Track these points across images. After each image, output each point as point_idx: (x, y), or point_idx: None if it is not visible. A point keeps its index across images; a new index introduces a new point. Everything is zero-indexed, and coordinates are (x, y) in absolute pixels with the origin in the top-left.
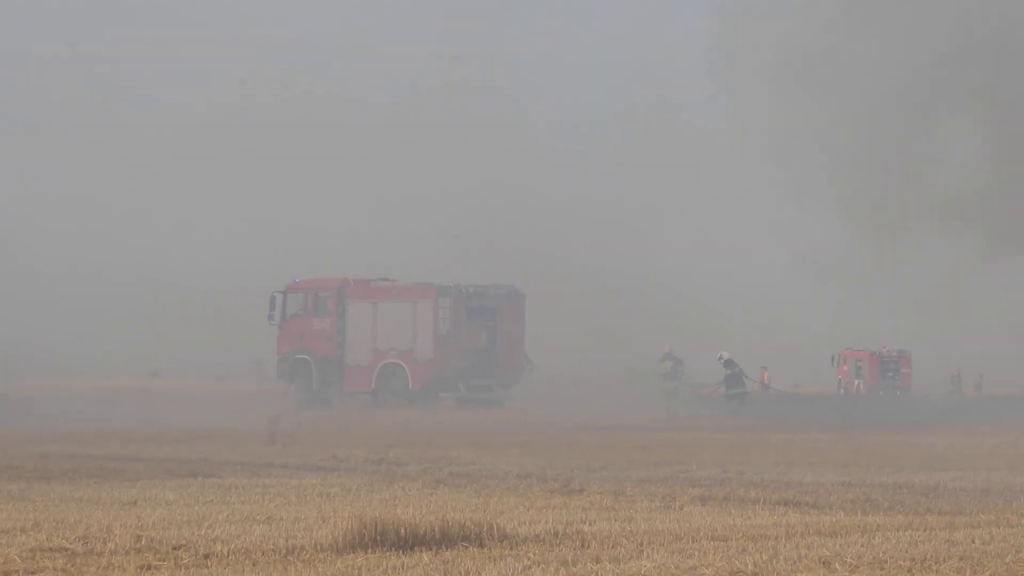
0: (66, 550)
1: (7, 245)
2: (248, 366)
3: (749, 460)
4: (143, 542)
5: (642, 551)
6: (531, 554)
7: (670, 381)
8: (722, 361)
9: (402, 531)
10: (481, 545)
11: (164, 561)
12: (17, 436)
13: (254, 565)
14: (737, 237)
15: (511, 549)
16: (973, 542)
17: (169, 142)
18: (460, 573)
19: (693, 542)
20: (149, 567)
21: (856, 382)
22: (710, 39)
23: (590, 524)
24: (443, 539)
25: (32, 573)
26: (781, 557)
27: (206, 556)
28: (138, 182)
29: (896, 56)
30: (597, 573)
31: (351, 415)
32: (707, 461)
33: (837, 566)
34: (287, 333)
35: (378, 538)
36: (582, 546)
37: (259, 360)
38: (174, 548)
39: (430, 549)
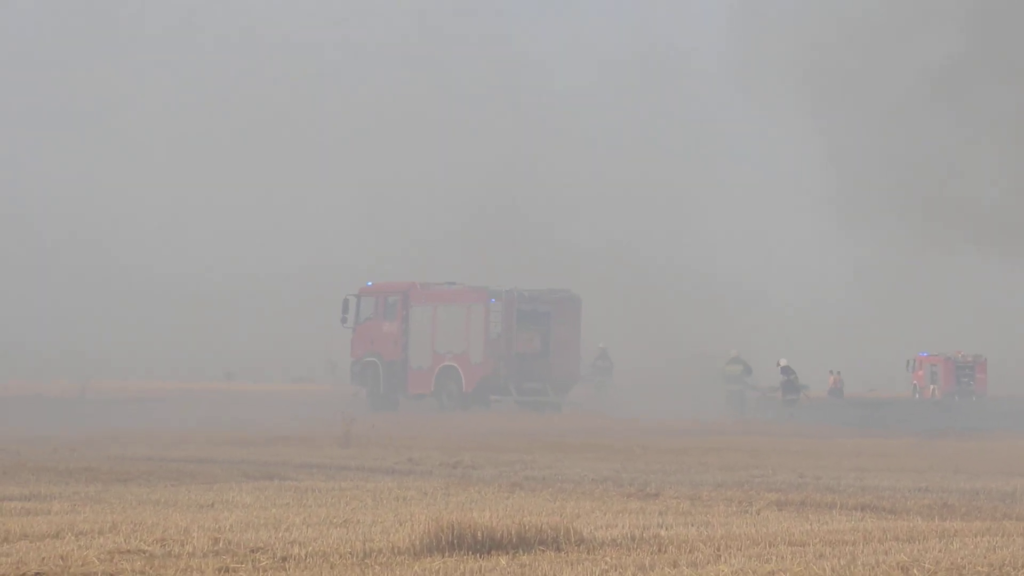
0: (144, 552)
1: (88, 252)
2: (323, 368)
3: (824, 465)
4: (221, 545)
5: (719, 556)
6: (608, 558)
7: (736, 384)
8: (780, 367)
9: (479, 535)
10: (558, 549)
11: (242, 564)
12: (94, 437)
13: (332, 568)
14: (801, 243)
15: (588, 553)
16: None
17: (253, 151)
18: None
19: (770, 547)
20: (227, 570)
21: (931, 387)
22: (742, 47)
23: (667, 529)
24: (520, 543)
25: (110, 575)
26: (859, 562)
27: (284, 559)
28: (210, 191)
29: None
30: None
31: (417, 418)
32: (782, 465)
33: (915, 572)
34: (360, 336)
35: (455, 541)
36: (659, 551)
37: (333, 361)
38: (252, 551)
39: (507, 553)
